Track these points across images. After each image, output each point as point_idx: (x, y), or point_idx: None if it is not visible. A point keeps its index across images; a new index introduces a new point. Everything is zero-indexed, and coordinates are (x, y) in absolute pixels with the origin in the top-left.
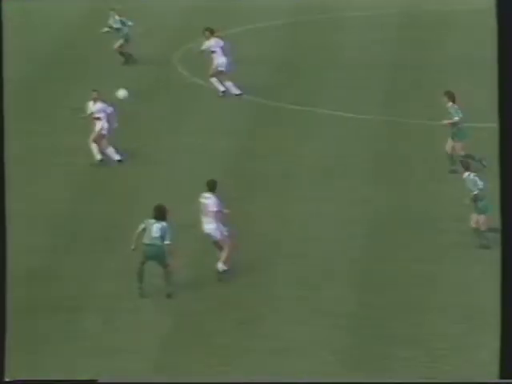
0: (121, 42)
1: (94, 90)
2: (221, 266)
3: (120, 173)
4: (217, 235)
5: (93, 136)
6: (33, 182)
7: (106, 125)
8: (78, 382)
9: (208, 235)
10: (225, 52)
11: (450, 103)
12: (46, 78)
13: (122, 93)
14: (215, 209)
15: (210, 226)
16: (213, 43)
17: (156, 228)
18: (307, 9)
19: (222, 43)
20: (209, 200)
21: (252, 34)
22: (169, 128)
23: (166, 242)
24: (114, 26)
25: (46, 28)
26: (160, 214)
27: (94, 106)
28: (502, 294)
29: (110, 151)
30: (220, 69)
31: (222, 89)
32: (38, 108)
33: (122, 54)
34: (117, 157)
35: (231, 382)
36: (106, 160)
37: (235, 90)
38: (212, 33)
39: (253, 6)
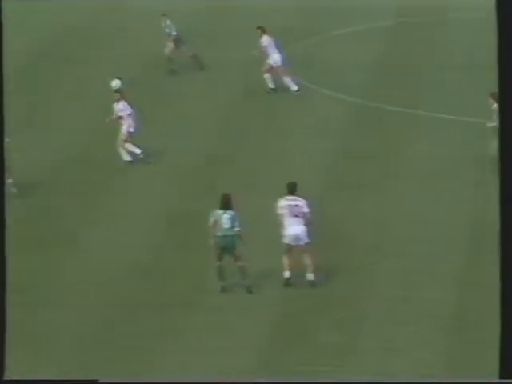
0: (171, 46)
1: (117, 91)
2: (311, 275)
3: (227, 172)
4: (305, 238)
5: (120, 137)
6: (146, 182)
7: (131, 123)
8: (79, 381)
9: (295, 237)
10: (278, 48)
11: (496, 104)
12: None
13: (114, 82)
14: (306, 210)
15: (298, 228)
16: (265, 41)
17: (225, 219)
18: (410, 10)
19: (273, 40)
20: (298, 202)
21: (355, 35)
22: (275, 129)
23: (236, 229)
24: (166, 30)
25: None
26: (226, 204)
27: (117, 107)
28: (501, 293)
29: (127, 148)
30: (275, 65)
31: (271, 86)
32: (145, 108)
33: (170, 59)
34: (127, 157)
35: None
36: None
37: (293, 86)
38: (264, 31)
39: (356, 7)
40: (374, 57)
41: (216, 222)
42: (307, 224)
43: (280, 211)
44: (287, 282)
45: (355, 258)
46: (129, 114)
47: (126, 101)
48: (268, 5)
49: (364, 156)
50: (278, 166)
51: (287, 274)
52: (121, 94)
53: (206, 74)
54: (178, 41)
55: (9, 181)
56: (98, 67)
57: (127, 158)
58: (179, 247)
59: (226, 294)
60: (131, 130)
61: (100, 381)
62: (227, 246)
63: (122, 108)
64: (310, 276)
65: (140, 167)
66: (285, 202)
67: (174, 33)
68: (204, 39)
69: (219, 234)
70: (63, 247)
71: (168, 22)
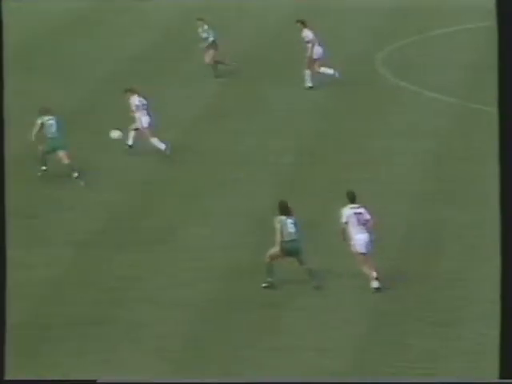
0: (211, 52)
1: (127, 90)
2: (377, 283)
3: (319, 173)
4: (370, 247)
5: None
6: (243, 181)
7: (145, 118)
8: (78, 381)
9: (365, 245)
10: (319, 42)
11: None
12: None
13: (115, 134)
14: (369, 217)
15: (365, 235)
16: (305, 34)
17: (290, 223)
18: None
19: (314, 33)
20: (361, 209)
21: (454, 35)
22: (369, 130)
23: (300, 233)
24: (202, 35)
25: None
26: (287, 210)
27: (131, 103)
28: (501, 293)
29: (155, 141)
30: (315, 57)
31: (309, 84)
32: (242, 107)
33: (217, 63)
34: (162, 146)
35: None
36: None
37: (309, 83)
38: (304, 24)
39: (455, 7)
40: (472, 57)
41: (281, 228)
42: (370, 231)
43: (346, 220)
44: (378, 291)
45: (450, 261)
46: (144, 109)
47: (139, 96)
48: (366, 4)
49: (463, 157)
50: (378, 166)
51: (376, 283)
52: (131, 91)
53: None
54: (214, 45)
55: (74, 174)
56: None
57: (161, 146)
58: (267, 246)
59: (319, 294)
60: (146, 125)
61: (99, 381)
62: (294, 251)
63: (136, 103)
64: (376, 283)
65: (237, 166)
66: (350, 211)
67: (212, 38)
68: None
69: (286, 239)
70: (162, 245)
71: (205, 26)
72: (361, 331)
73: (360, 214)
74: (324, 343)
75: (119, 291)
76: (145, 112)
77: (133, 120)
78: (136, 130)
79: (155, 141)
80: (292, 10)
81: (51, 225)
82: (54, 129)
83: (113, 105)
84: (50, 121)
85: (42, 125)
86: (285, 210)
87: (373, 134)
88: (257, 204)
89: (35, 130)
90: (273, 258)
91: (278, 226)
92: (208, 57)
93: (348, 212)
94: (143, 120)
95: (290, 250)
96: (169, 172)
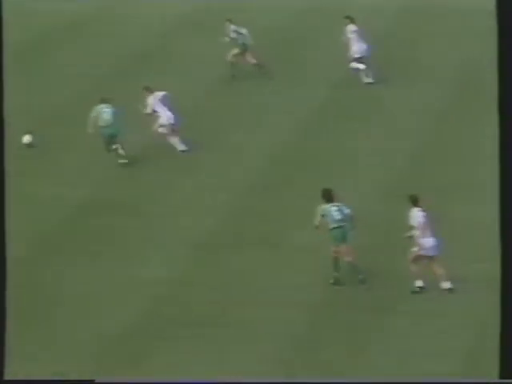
0: (236, 51)
1: (145, 88)
2: (447, 284)
3: (431, 174)
4: (436, 250)
5: (156, 130)
6: (346, 183)
7: (167, 116)
8: (77, 381)
9: (432, 248)
10: (362, 39)
11: None
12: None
13: (25, 138)
14: (429, 223)
15: (432, 239)
16: (348, 30)
17: (335, 211)
18: None
19: (357, 30)
20: (425, 213)
21: None
22: (478, 132)
23: (349, 212)
24: (231, 35)
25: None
26: (330, 197)
27: (150, 102)
28: (501, 293)
29: (175, 140)
30: (356, 55)
31: (362, 67)
32: (355, 108)
33: (233, 64)
34: (182, 146)
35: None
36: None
37: (366, 79)
38: (352, 21)
39: None
40: None
41: (325, 217)
42: (434, 235)
43: (417, 219)
44: (420, 291)
45: None
46: (164, 105)
47: (156, 94)
48: (485, 6)
49: None
50: (473, 168)
51: (420, 282)
52: (148, 90)
53: (408, 78)
54: (243, 47)
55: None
56: (306, 68)
57: (182, 147)
58: (377, 249)
59: (421, 298)
60: (167, 122)
61: (97, 381)
62: (341, 237)
63: (154, 103)
64: (447, 284)
65: (349, 167)
66: (418, 213)
67: (241, 40)
68: (398, 42)
69: (334, 225)
70: (275, 247)
71: (232, 27)
72: (464, 335)
73: (423, 218)
74: (429, 347)
75: (232, 292)
76: (166, 108)
77: (152, 119)
78: (161, 127)
79: (175, 140)
80: (417, 9)
81: (166, 225)
82: (108, 117)
83: (226, 106)
84: (104, 109)
85: (97, 114)
86: (329, 198)
87: (480, 135)
88: (370, 207)
89: (90, 121)
90: (335, 251)
91: (320, 214)
92: (230, 56)
93: (416, 214)
94: (167, 116)
95: (340, 236)
96: (275, 175)
